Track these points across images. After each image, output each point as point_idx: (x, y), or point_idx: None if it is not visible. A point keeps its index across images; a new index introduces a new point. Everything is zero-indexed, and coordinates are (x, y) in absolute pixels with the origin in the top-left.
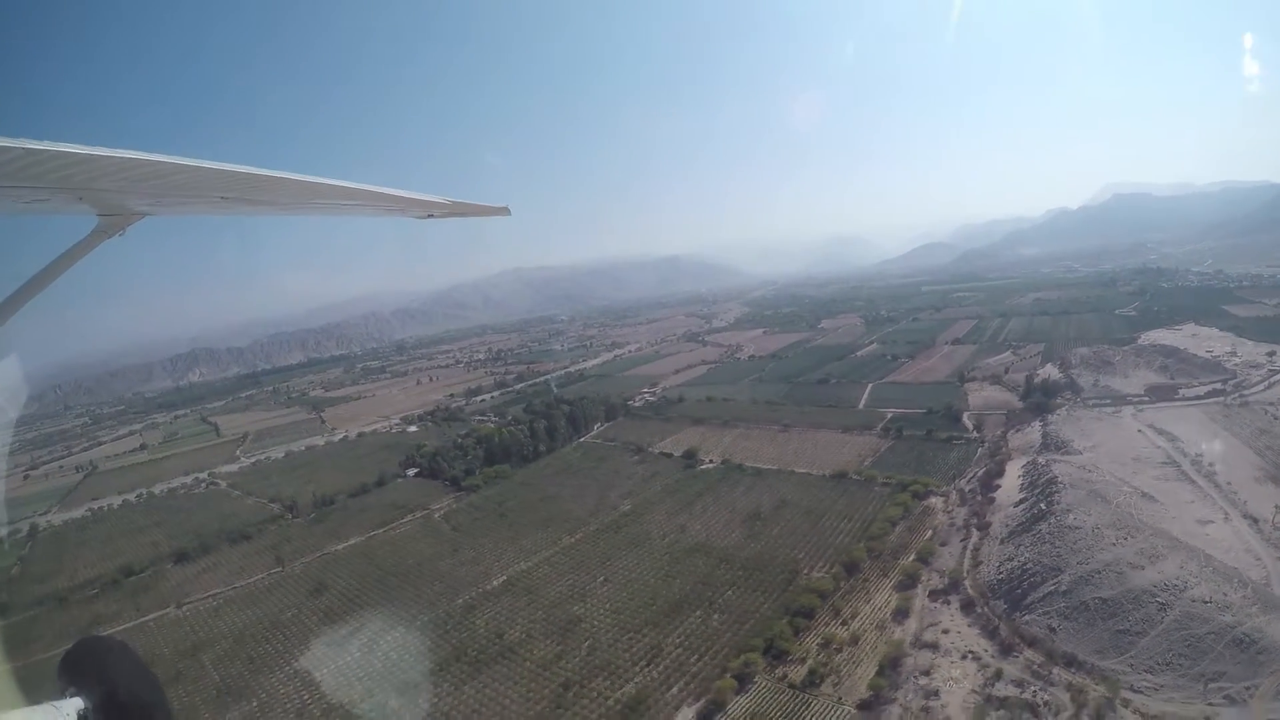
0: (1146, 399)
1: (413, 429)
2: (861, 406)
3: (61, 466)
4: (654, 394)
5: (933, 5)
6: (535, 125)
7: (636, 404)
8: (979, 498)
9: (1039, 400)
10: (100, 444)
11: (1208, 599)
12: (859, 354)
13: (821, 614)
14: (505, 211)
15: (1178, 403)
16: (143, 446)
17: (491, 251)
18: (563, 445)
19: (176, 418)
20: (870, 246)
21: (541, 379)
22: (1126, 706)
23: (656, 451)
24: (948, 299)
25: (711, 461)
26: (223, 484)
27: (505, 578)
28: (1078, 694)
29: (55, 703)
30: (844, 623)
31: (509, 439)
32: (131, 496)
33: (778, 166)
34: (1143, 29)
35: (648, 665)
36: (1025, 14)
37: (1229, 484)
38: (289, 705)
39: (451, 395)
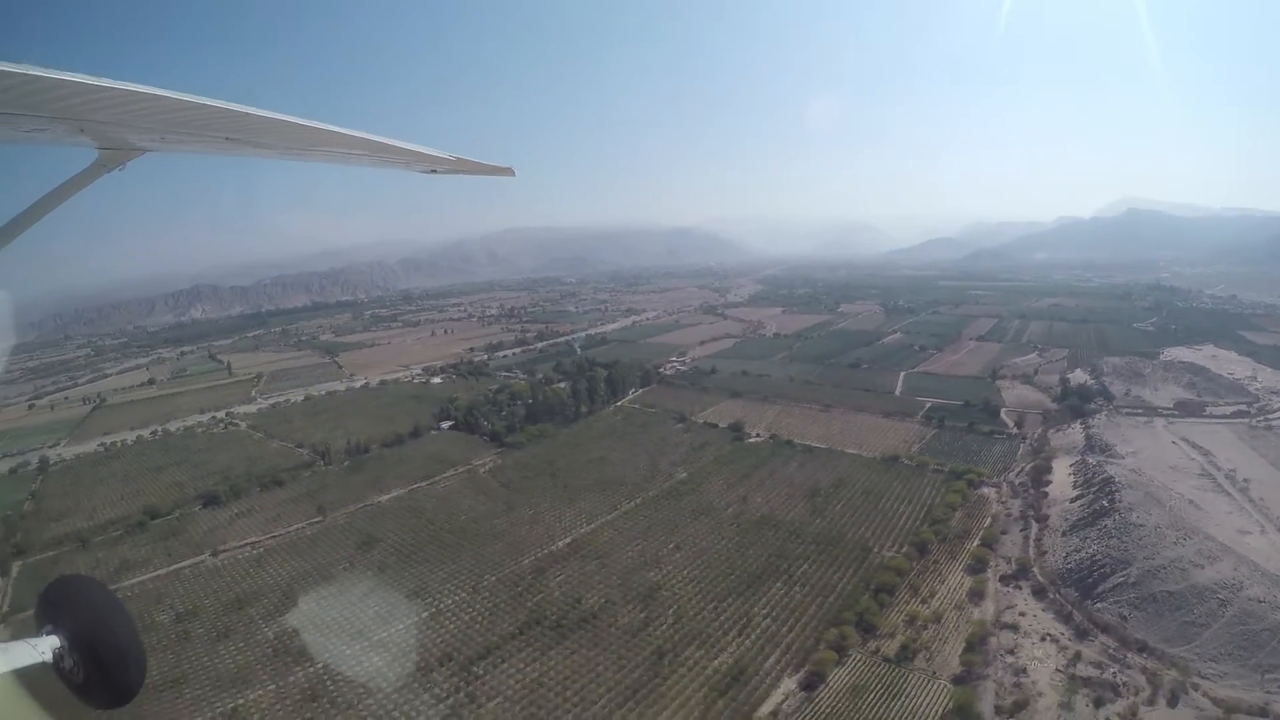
0: (1176, 413)
1: (436, 380)
2: (898, 393)
3: (67, 398)
4: (684, 363)
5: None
6: (545, 83)
7: (668, 372)
8: (1031, 491)
9: (1075, 403)
10: (106, 376)
11: (1262, 599)
12: (884, 341)
13: (901, 591)
14: (509, 172)
15: (1205, 420)
16: (151, 381)
17: (495, 208)
18: (601, 408)
19: (183, 354)
20: (879, 235)
21: (564, 339)
22: (1196, 690)
23: (700, 421)
24: (964, 295)
25: (758, 435)
26: (242, 425)
27: (570, 540)
28: (1153, 677)
29: (31, 640)
30: (923, 601)
31: (552, 397)
32: (145, 433)
33: (789, 147)
34: (1171, 45)
35: (739, 635)
36: (1052, 18)
37: (1261, 499)
38: (357, 669)
39: (471, 349)
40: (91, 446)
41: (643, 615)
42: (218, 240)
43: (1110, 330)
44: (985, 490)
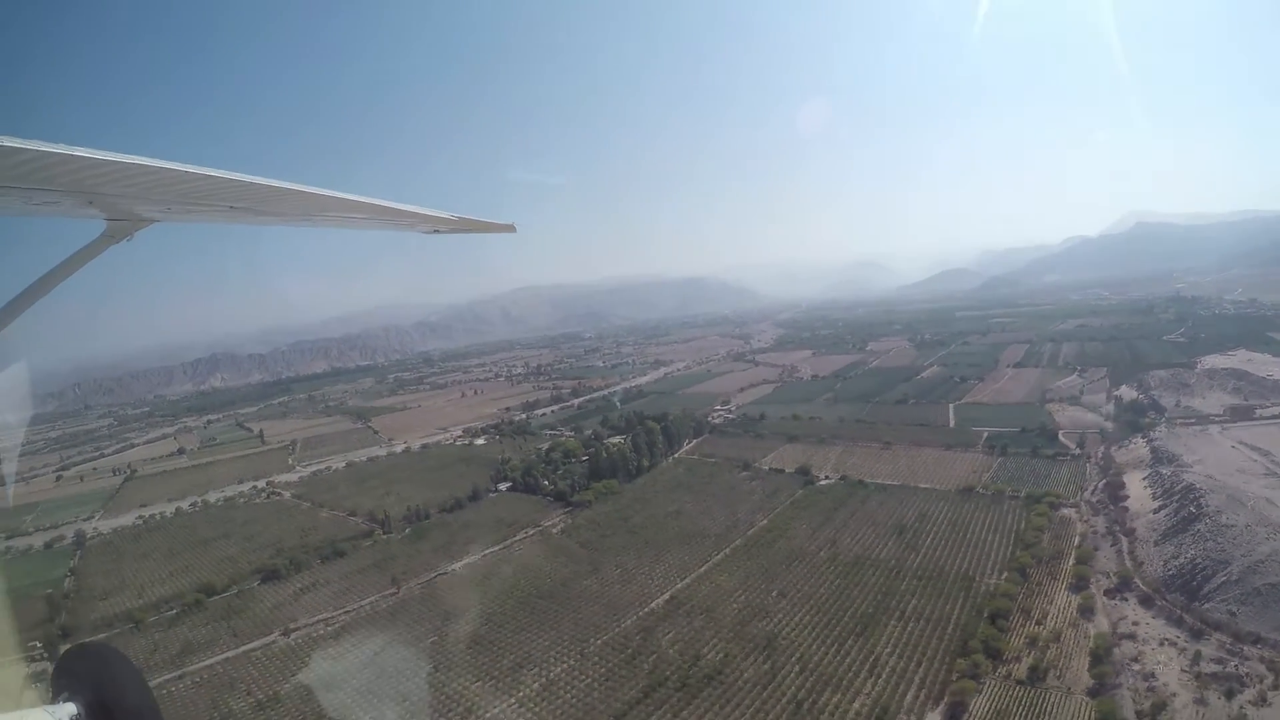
0: (1227, 418)
1: (480, 441)
2: (952, 425)
3: (95, 469)
4: (730, 411)
5: (946, 31)
6: (546, 147)
7: (716, 421)
8: (1110, 508)
9: (1130, 419)
10: (133, 446)
11: None
12: (923, 376)
13: (1014, 615)
14: (511, 228)
15: (1258, 422)
16: (181, 450)
17: (505, 268)
18: (659, 461)
19: (209, 422)
20: (888, 272)
21: (600, 394)
22: None
23: (766, 468)
24: (987, 324)
25: (828, 478)
26: (286, 494)
27: (668, 596)
28: (1271, 664)
29: (48, 708)
30: (1038, 622)
31: (614, 452)
32: (184, 504)
33: (791, 192)
34: (1162, 57)
35: (870, 675)
36: (1038, 41)
37: None
38: None
39: (508, 409)
40: (129, 519)
41: (767, 666)
42: (228, 308)
43: (1142, 345)
44: (1065, 511)
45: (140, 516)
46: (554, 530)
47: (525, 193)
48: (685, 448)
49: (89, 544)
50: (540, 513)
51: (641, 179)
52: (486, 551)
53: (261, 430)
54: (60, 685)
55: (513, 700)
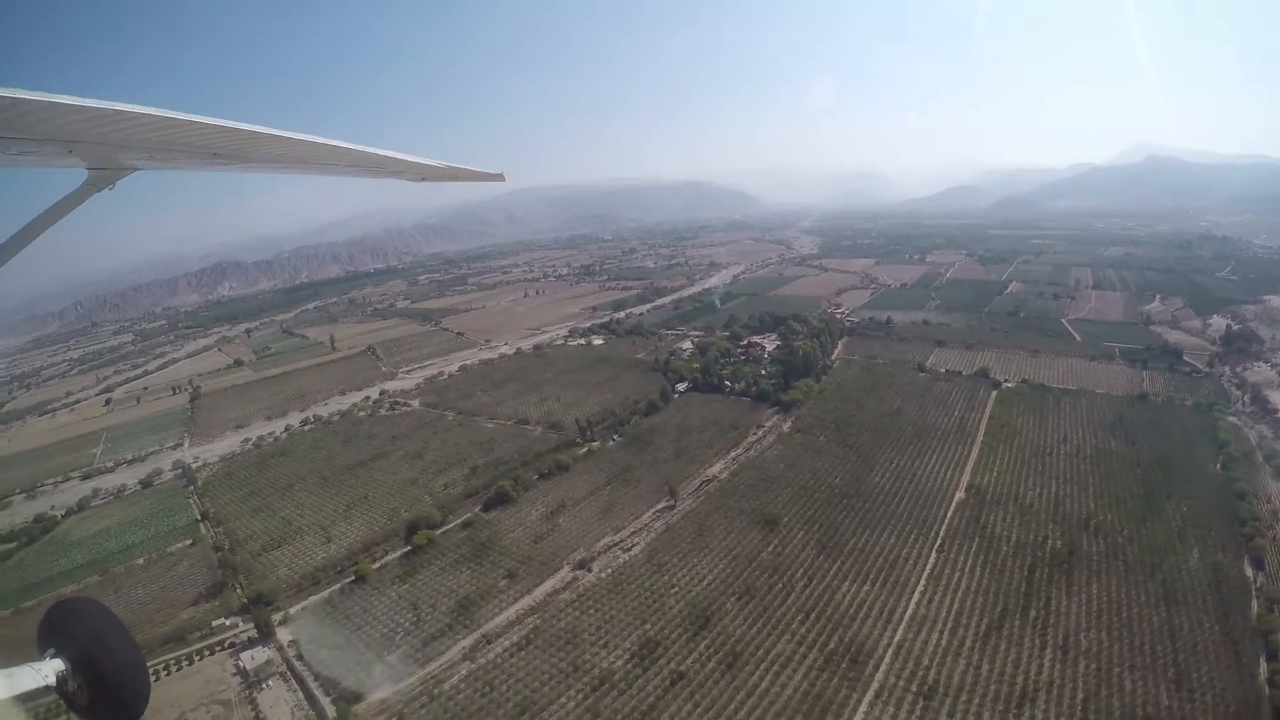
0: None
1: (598, 341)
2: (1079, 339)
3: (146, 388)
4: (849, 315)
5: None
6: (544, 40)
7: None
8: (1267, 417)
9: (1240, 345)
10: (174, 361)
11: None
12: (1009, 291)
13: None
14: (500, 178)
15: None
16: (239, 362)
17: (501, 169)
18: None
19: (249, 331)
20: (889, 184)
21: (681, 294)
22: None
23: (942, 369)
24: (1027, 245)
25: (1007, 380)
26: (413, 404)
27: (964, 488)
28: None
29: (34, 664)
30: None
31: (810, 351)
32: (290, 422)
33: (790, 94)
34: None
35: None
36: None
37: None
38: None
39: (594, 308)
40: (230, 444)
41: (1122, 536)
42: (217, 218)
43: (1200, 280)
44: (1230, 419)
45: (246, 439)
46: (783, 429)
47: (521, 95)
48: (836, 350)
49: (201, 477)
50: (749, 414)
51: (637, 82)
52: (732, 454)
53: (332, 336)
54: (46, 641)
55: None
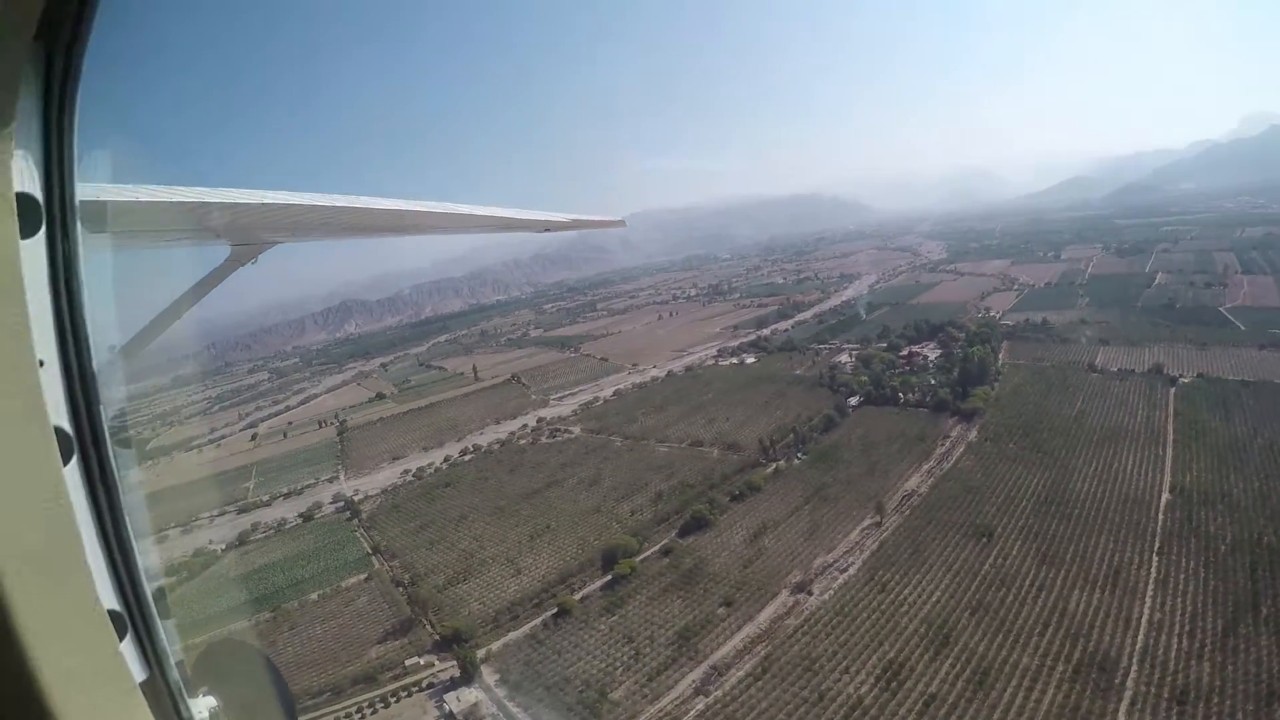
0: None
1: (750, 360)
2: (1243, 328)
3: (291, 424)
4: (1002, 319)
5: None
6: (649, 63)
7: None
8: None
9: None
10: (314, 396)
11: None
12: (1158, 282)
13: None
14: (621, 224)
15: None
16: (381, 396)
17: (607, 199)
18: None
19: (384, 365)
20: (998, 180)
21: (821, 308)
22: None
23: (1114, 369)
24: (1159, 233)
25: (1184, 376)
26: (575, 430)
27: (1169, 490)
28: None
29: (190, 701)
30: None
31: (984, 358)
32: (449, 452)
33: (891, 98)
34: None
35: None
36: None
37: None
38: None
39: (734, 327)
40: (388, 476)
41: None
42: (334, 263)
43: None
44: None
45: (406, 471)
46: (971, 439)
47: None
48: (1001, 355)
49: (365, 510)
50: (931, 424)
51: (740, 96)
52: (925, 467)
53: (475, 367)
54: (200, 680)
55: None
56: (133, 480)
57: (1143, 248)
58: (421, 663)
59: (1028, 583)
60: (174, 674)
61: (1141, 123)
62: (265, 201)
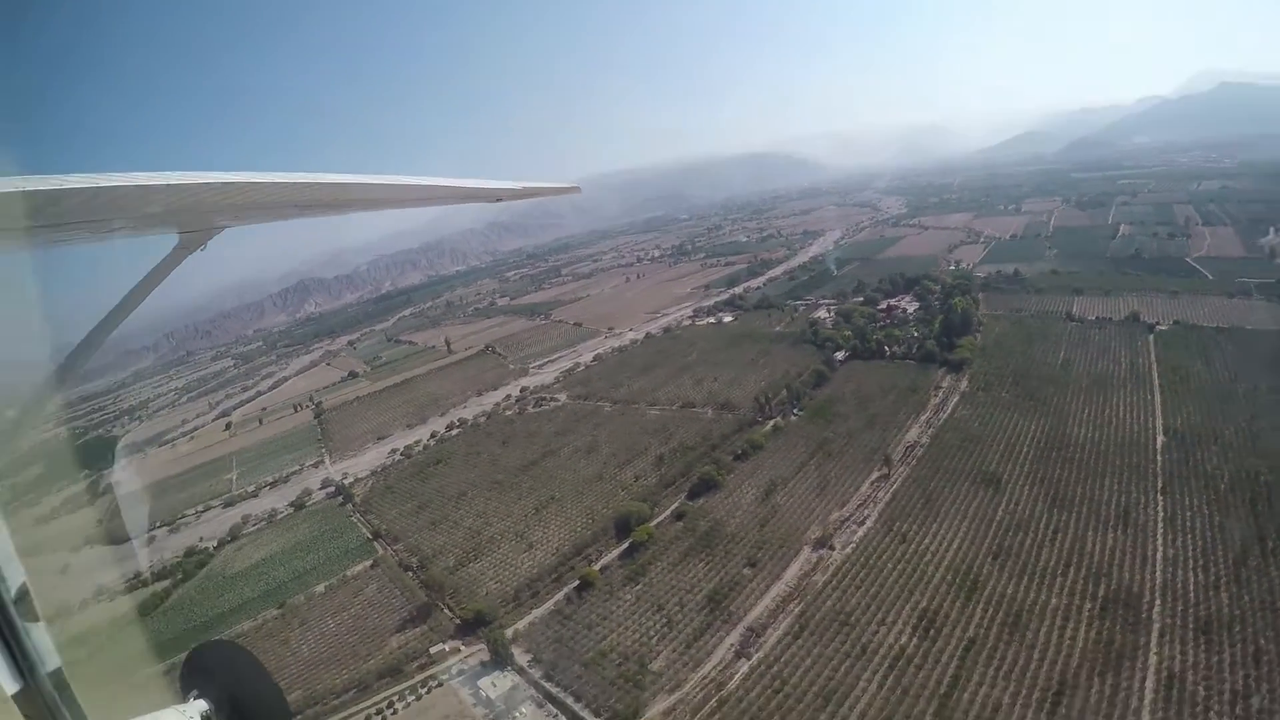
0: None
1: (728, 319)
2: (1211, 277)
3: (264, 410)
4: (974, 271)
5: None
6: (585, 23)
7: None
8: None
9: None
10: (284, 380)
11: None
12: (1123, 234)
13: None
14: (576, 190)
15: None
16: (353, 374)
17: (562, 161)
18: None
19: (351, 343)
20: (952, 135)
21: (789, 265)
22: None
23: (1092, 317)
24: (1117, 186)
25: (1161, 324)
26: (560, 398)
27: (1163, 432)
28: None
29: (179, 706)
30: None
31: (968, 309)
32: (435, 429)
33: (835, 59)
34: None
35: None
36: None
37: None
38: None
39: (706, 286)
40: (377, 457)
41: None
42: (285, 243)
43: None
44: None
45: (393, 450)
46: (964, 389)
47: (572, 83)
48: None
49: (357, 494)
50: (921, 376)
51: (692, 49)
52: (922, 418)
53: (446, 339)
54: (189, 683)
55: None
56: (115, 480)
57: (1102, 201)
58: (447, 649)
59: (1042, 526)
60: (48, 685)
61: (1091, 79)
62: (206, 182)
